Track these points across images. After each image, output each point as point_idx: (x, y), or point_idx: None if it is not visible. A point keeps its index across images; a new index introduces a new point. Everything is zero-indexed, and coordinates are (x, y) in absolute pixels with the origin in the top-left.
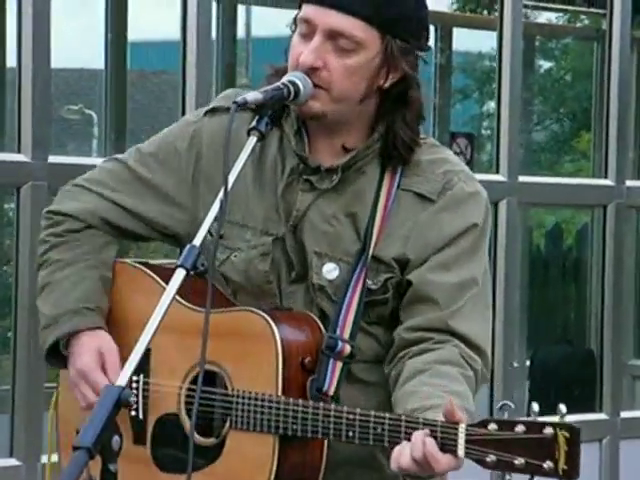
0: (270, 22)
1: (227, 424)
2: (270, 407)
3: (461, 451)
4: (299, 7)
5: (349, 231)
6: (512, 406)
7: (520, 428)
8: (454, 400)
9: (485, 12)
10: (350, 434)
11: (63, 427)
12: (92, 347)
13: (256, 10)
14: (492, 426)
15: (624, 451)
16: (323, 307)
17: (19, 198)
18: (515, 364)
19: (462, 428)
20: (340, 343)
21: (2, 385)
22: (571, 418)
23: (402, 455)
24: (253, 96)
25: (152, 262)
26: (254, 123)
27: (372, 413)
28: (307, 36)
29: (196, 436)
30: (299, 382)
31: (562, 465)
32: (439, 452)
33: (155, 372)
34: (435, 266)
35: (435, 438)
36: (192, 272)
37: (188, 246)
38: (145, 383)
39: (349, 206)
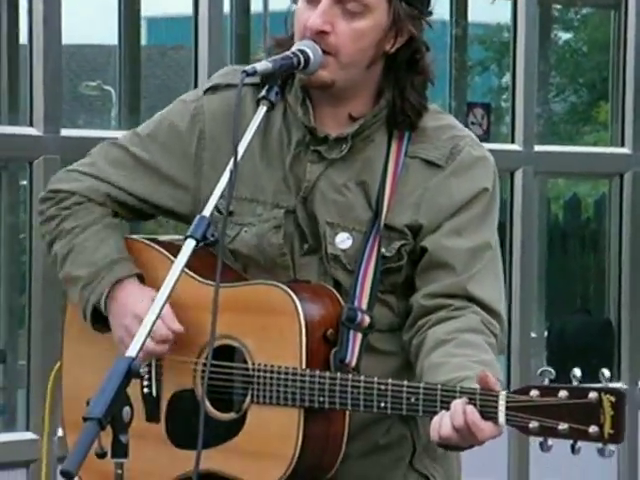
0: None
1: (248, 399)
2: (295, 380)
3: (502, 418)
4: None
5: (360, 200)
6: (553, 372)
7: (563, 394)
8: (484, 369)
9: None
10: (382, 404)
11: (68, 403)
12: (146, 295)
13: None
14: (534, 392)
15: None
16: (338, 277)
17: (32, 172)
18: (533, 334)
19: (503, 395)
20: (359, 314)
21: (19, 360)
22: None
23: (442, 425)
24: (263, 65)
25: (161, 238)
26: (264, 92)
27: (405, 383)
28: (314, 1)
29: (215, 412)
30: (322, 355)
31: (608, 429)
32: (481, 420)
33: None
34: (449, 232)
35: (474, 406)
36: (202, 242)
37: (198, 216)
38: (157, 359)
39: (359, 174)
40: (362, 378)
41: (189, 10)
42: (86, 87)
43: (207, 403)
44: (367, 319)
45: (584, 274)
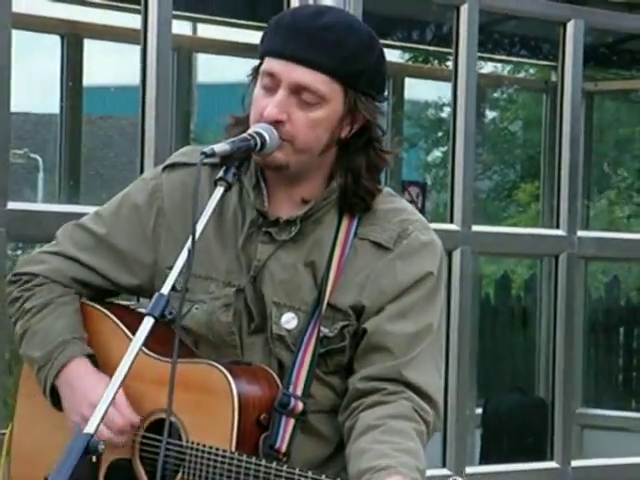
0: (216, 69)
1: (179, 475)
2: (223, 462)
3: None
4: (260, 58)
5: (308, 280)
6: None
7: None
8: (407, 458)
9: (436, 63)
10: None
11: (18, 459)
12: (101, 381)
13: (201, 57)
14: None
15: None
16: (282, 358)
17: None
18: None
19: None
20: (293, 400)
21: None
22: (523, 467)
23: None
24: (221, 147)
25: (117, 302)
26: (221, 173)
27: (323, 477)
28: (271, 89)
29: None
30: (253, 438)
31: None
32: None
33: None
34: (391, 315)
35: None
36: (160, 320)
37: (156, 294)
38: None
39: (308, 255)
40: (284, 468)
41: (125, 81)
42: (13, 155)
43: (142, 474)
44: (300, 405)
45: (518, 353)
